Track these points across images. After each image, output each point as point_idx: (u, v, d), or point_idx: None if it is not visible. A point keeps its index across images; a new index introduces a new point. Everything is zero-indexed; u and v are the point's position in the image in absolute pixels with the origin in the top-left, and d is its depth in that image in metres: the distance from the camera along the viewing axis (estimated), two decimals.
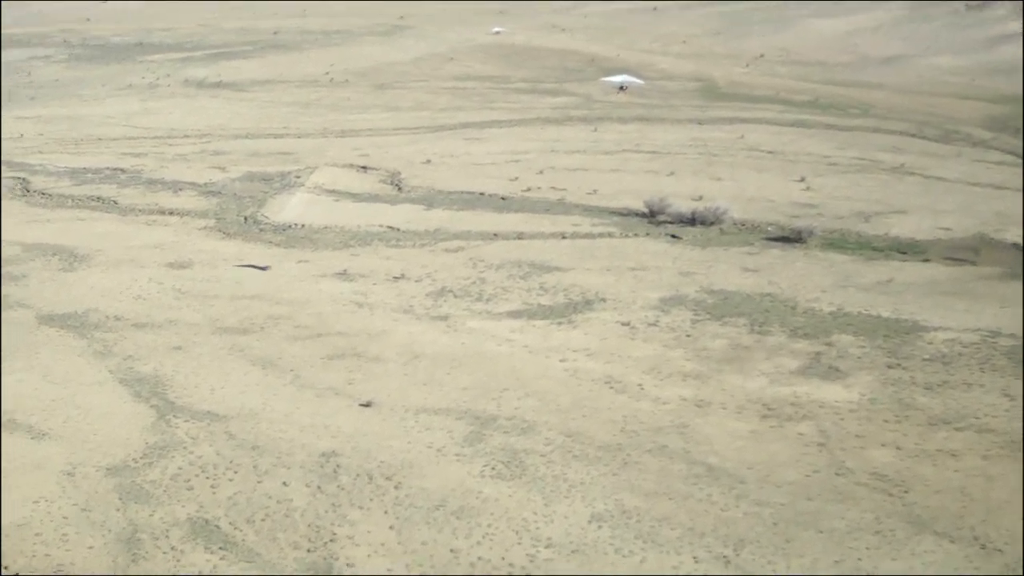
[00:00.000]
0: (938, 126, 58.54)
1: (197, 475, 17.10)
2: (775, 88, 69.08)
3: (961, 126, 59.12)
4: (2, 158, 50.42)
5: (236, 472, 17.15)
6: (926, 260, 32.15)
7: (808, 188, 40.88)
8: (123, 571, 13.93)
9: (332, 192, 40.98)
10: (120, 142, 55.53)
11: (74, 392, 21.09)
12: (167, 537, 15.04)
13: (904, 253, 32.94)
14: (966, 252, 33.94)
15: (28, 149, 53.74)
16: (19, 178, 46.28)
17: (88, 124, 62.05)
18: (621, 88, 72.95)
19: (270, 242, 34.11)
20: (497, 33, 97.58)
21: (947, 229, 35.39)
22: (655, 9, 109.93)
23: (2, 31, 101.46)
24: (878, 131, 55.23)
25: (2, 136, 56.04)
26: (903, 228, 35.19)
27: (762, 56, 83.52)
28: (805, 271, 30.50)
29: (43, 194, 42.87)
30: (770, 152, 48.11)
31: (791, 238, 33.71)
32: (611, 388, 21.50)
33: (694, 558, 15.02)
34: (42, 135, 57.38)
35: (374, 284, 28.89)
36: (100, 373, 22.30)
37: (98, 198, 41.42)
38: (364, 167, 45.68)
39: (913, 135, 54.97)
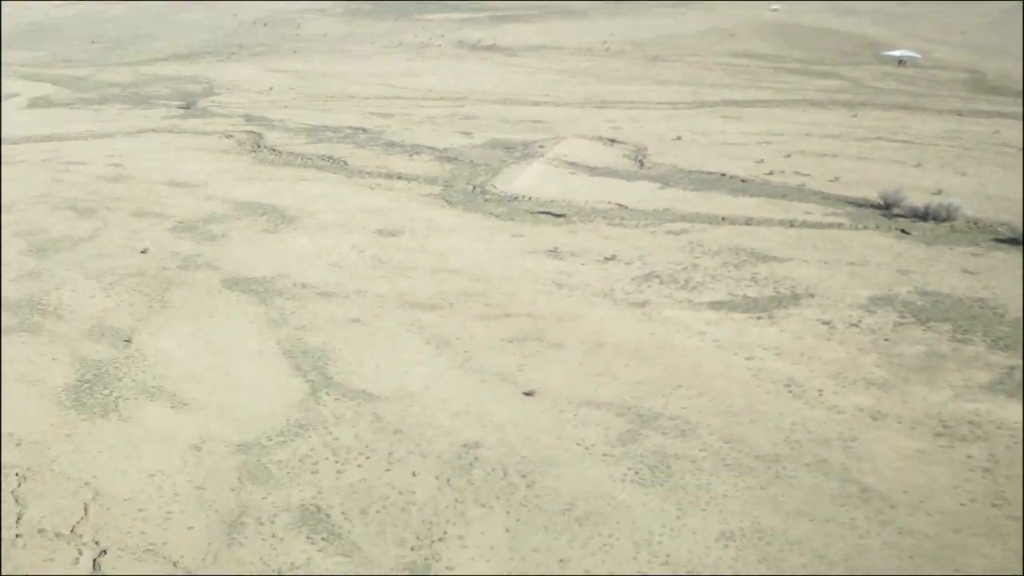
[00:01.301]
0: None
1: (327, 458, 16.93)
2: None
3: None
4: (239, 112, 53.64)
5: (368, 458, 16.87)
6: None
7: None
8: (214, 556, 13.92)
9: (571, 164, 40.83)
10: (371, 101, 57.35)
11: (232, 362, 21.39)
12: (272, 523, 14.90)
13: None
14: None
15: (274, 103, 56.28)
16: (253, 133, 48.37)
17: (344, 81, 64.57)
18: (900, 62, 75.33)
19: (491, 213, 34.00)
20: (775, 10, 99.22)
21: None
22: None
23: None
24: None
25: (251, 88, 59.65)
26: None
27: None
28: None
29: (273, 151, 44.58)
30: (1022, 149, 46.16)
31: (1020, 241, 32.31)
32: (789, 392, 20.29)
33: None
34: (293, 89, 59.98)
35: (582, 264, 28.37)
36: (266, 343, 22.57)
37: (329, 158, 42.64)
38: (612, 140, 45.35)
39: None
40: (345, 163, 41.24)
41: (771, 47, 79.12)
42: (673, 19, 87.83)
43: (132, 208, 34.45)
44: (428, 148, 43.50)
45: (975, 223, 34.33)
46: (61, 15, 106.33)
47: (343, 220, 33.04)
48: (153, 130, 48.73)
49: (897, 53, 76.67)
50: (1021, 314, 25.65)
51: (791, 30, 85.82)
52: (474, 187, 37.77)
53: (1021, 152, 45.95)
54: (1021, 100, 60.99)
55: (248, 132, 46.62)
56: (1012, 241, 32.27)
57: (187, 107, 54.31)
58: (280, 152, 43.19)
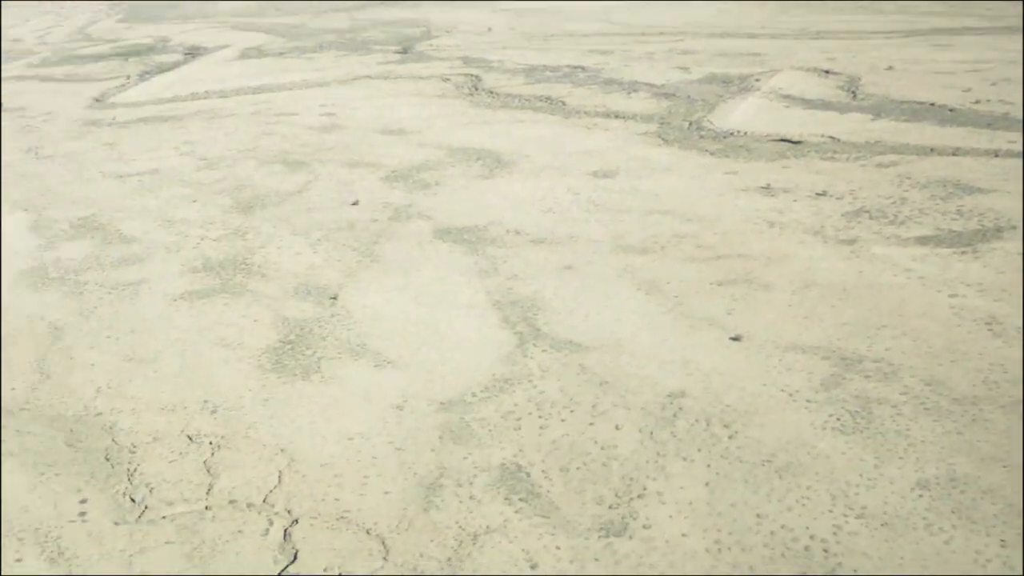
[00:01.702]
0: None
1: (530, 413, 16.32)
2: None
3: None
4: (457, 55, 54.11)
5: (572, 412, 16.23)
6: None
7: None
8: (409, 522, 13.48)
9: (785, 97, 39.75)
10: (590, 38, 56.72)
11: (440, 316, 20.97)
12: (471, 484, 14.36)
13: None
14: None
15: (492, 45, 56.13)
16: (472, 76, 48.23)
17: (563, 18, 64.17)
18: None
19: (705, 150, 33.01)
20: None
21: None
22: None
23: None
24: None
25: (470, 30, 60.02)
26: None
27: None
28: None
29: (491, 93, 44.36)
30: None
31: None
32: (989, 330, 18.86)
33: (1001, 542, 12.91)
34: (512, 29, 59.71)
35: (794, 201, 27.19)
36: (476, 295, 22.09)
37: (547, 99, 42.19)
38: (827, 71, 44.06)
39: None
40: (563, 103, 40.81)
41: None
42: None
43: (344, 159, 34.47)
44: (646, 85, 42.77)
45: None
46: None
47: (558, 163, 32.44)
48: (368, 76, 49.01)
49: None
50: None
51: None
52: (690, 124, 36.79)
53: None
54: None
55: (465, 75, 46.50)
56: None
57: (404, 52, 54.67)
58: (497, 94, 42.96)
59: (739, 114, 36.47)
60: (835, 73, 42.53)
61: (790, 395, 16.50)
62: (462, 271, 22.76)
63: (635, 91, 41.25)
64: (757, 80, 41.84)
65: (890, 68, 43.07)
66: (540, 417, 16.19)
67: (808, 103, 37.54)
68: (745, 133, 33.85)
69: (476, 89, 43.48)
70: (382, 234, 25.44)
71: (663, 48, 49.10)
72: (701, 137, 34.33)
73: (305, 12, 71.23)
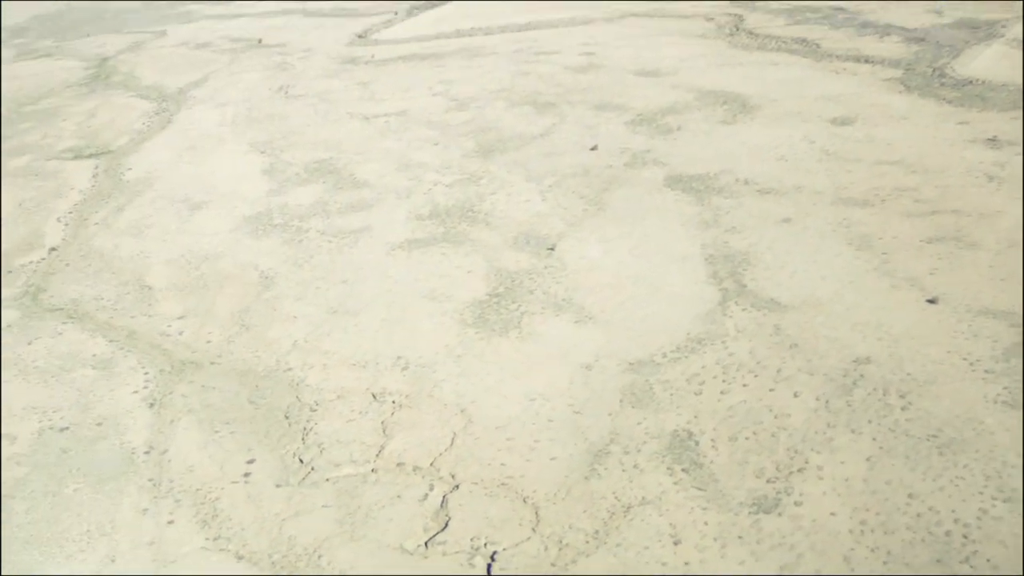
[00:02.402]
0: None
1: (715, 377, 15.36)
2: None
3: None
4: None
5: (756, 377, 15.18)
6: None
7: None
8: (567, 490, 12.83)
9: None
10: None
11: (650, 269, 20.07)
12: (638, 452, 13.55)
13: None
14: None
15: None
16: (734, 15, 46.25)
17: None
18: None
19: (943, 98, 30.80)
20: None
21: None
22: None
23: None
24: None
25: None
26: None
27: None
28: None
29: (750, 34, 42.56)
30: None
31: None
32: None
33: None
34: None
35: (1017, 154, 24.99)
36: (692, 247, 21.05)
37: (803, 41, 40.20)
38: None
39: None
40: (817, 46, 38.89)
41: None
42: None
43: (594, 101, 33.66)
44: (899, 28, 40.53)
45: None
46: None
47: (801, 108, 30.85)
48: (634, 14, 47.73)
49: None
50: None
51: None
52: (933, 70, 34.49)
53: None
54: None
55: (729, 15, 44.81)
56: None
57: None
58: (756, 35, 41.24)
59: (980, 61, 34.11)
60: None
61: (971, 364, 15.33)
62: (684, 221, 21.92)
63: (888, 35, 39.17)
64: (1003, 26, 38.91)
65: None
66: (724, 381, 15.40)
67: None
68: (983, 81, 31.56)
69: (737, 29, 42.01)
70: (614, 181, 24.78)
71: None
72: (941, 85, 32.16)
73: None
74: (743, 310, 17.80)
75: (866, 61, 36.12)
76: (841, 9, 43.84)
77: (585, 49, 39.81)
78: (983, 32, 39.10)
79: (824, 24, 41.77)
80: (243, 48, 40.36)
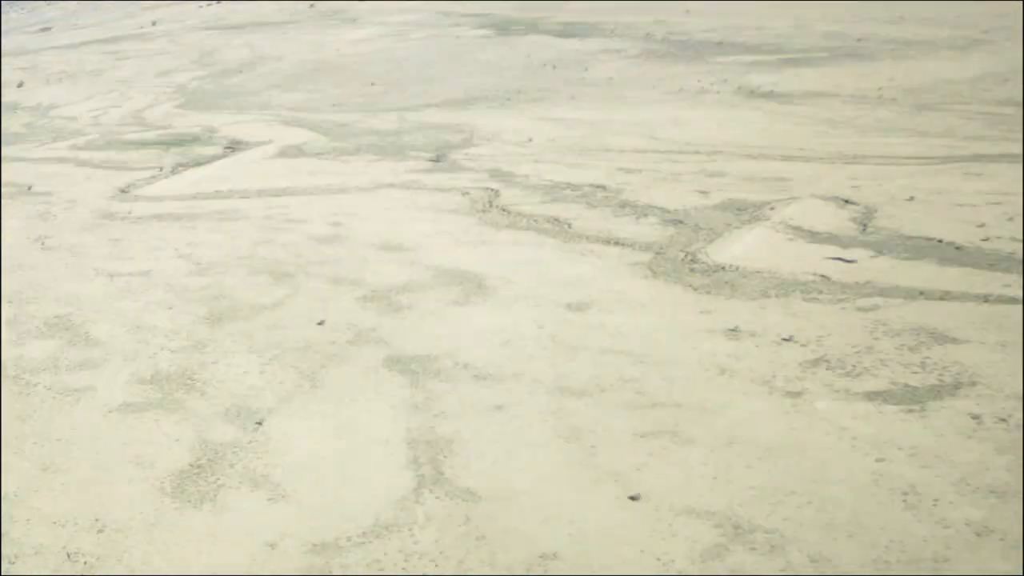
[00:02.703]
0: None
1: (395, 564, 16.95)
2: None
3: None
4: (488, 166, 55.66)
5: (436, 566, 16.71)
6: None
7: None
8: None
9: (794, 229, 40.38)
10: (626, 155, 57.72)
11: (353, 450, 21.89)
12: None
13: None
14: None
15: (526, 157, 57.32)
16: (491, 190, 49.60)
17: (607, 131, 65.20)
18: None
19: (690, 285, 33.98)
20: None
21: None
22: None
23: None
24: None
25: (511, 139, 61.65)
26: None
27: None
28: None
29: (503, 210, 45.75)
30: None
31: None
32: (904, 501, 19.25)
33: None
34: (552, 141, 60.90)
35: (756, 346, 27.95)
36: (397, 430, 23.00)
37: (555, 220, 43.44)
38: (846, 201, 44.57)
39: None
40: (569, 225, 42.04)
41: None
42: (955, 62, 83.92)
43: (331, 274, 35.94)
44: (659, 209, 43.93)
45: None
46: (353, 52, 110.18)
47: (537, 292, 33.57)
48: (392, 185, 50.54)
49: None
50: None
51: None
52: (686, 255, 37.75)
53: None
54: None
55: (486, 189, 47.79)
56: None
57: (437, 160, 56.11)
58: (509, 212, 44.32)
59: (740, 246, 37.50)
60: (853, 203, 43.21)
61: (664, 564, 17.72)
62: (394, 404, 24.18)
63: (645, 216, 42.54)
64: (772, 208, 42.69)
65: (911, 198, 43.64)
66: (403, 570, 17.67)
67: (814, 236, 38.39)
68: (737, 268, 34.87)
69: (490, 205, 45.03)
70: (334, 358, 27.06)
71: (692, 168, 50.23)
72: (691, 271, 35.36)
73: (360, 111, 72.96)
74: (436, 498, 19.86)
75: (616, 243, 39.12)
76: (602, 188, 47.19)
77: (334, 219, 42.23)
78: (748, 215, 42.46)
79: (581, 203, 44.88)
80: (13, 194, 42.45)
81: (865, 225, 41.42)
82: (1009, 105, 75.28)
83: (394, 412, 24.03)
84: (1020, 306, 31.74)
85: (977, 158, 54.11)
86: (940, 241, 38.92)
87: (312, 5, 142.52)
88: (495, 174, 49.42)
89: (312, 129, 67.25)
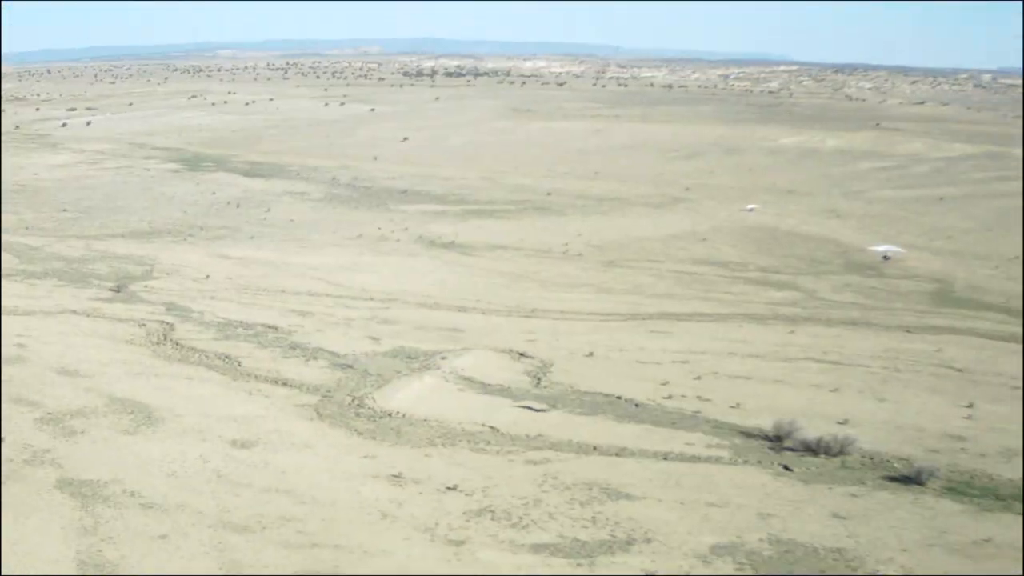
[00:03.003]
0: None
1: None
2: (1009, 295, 68.19)
3: None
4: (165, 300, 57.02)
5: None
6: None
7: (970, 416, 41.18)
8: None
9: (464, 380, 43.10)
10: (300, 297, 60.36)
11: (15, 568, 23.42)
12: None
13: None
14: None
15: (203, 293, 59.34)
16: (166, 324, 51.56)
17: (284, 273, 67.67)
18: (885, 257, 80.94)
19: (355, 430, 36.23)
20: (751, 210, 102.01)
21: None
22: (941, 199, 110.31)
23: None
24: None
25: (190, 275, 63.17)
26: None
27: (1017, 257, 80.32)
28: (900, 522, 30.58)
29: (177, 344, 47.69)
30: (959, 370, 48.69)
31: (911, 478, 33.77)
32: None
33: None
34: (230, 279, 63.08)
35: (420, 493, 30.19)
36: (67, 551, 24.40)
37: (226, 357, 45.45)
38: (521, 354, 47.70)
39: None
40: (239, 363, 44.02)
41: (738, 253, 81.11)
42: (651, 220, 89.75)
43: (12, 394, 36.96)
44: (329, 353, 46.29)
45: (871, 458, 35.80)
46: (50, 178, 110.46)
47: (204, 426, 35.34)
48: (74, 311, 51.99)
49: (882, 248, 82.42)
50: (879, 567, 27.08)
51: (766, 235, 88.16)
52: (353, 399, 40.16)
53: (957, 373, 48.10)
54: (982, 313, 63.73)
55: (162, 322, 49.60)
56: (904, 479, 33.58)
57: (117, 290, 57.79)
58: (182, 347, 46.19)
59: (407, 394, 39.71)
60: (529, 357, 46.10)
61: None
62: (64, 525, 25.59)
63: (314, 359, 44.75)
64: (443, 358, 45.36)
65: (590, 354, 46.56)
66: None
67: (485, 387, 40.84)
68: (404, 415, 37.06)
69: (165, 339, 46.77)
70: (10, 477, 27.85)
71: (365, 315, 52.92)
72: (357, 415, 37.55)
73: (51, 235, 73.60)
74: None
75: (285, 384, 40.44)
76: (274, 328, 48.88)
77: (19, 341, 42.80)
78: (419, 363, 44.18)
79: (252, 342, 46.70)
80: None
81: (539, 379, 43.89)
82: (704, 264, 79.42)
83: (64, 533, 25.17)
84: (702, 464, 34.22)
85: (665, 316, 57.64)
86: (619, 397, 41.60)
87: (18, 127, 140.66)
88: (172, 308, 50.86)
89: (3, 251, 66.28)
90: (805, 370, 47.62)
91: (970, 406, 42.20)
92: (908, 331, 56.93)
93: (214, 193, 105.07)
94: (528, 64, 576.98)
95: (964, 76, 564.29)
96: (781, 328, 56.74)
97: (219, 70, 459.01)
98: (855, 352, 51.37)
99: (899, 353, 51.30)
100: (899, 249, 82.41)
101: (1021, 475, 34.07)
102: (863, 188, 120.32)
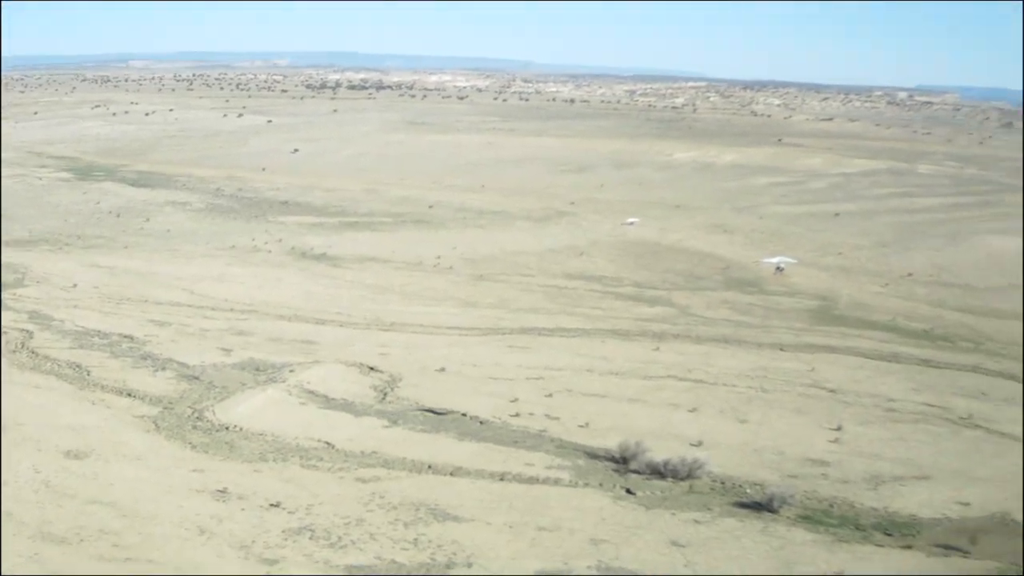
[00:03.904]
0: None
1: None
2: (896, 312, 68.81)
3: None
4: (29, 308, 56.91)
5: None
6: (907, 547, 31.70)
7: (837, 440, 41.12)
8: None
9: (308, 393, 44.33)
10: (161, 307, 60.36)
11: None
12: None
13: (889, 535, 32.60)
14: (965, 539, 32.75)
15: (67, 302, 59.36)
16: (26, 332, 51.76)
17: (150, 283, 67.49)
18: (779, 268, 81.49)
19: (190, 443, 36.52)
20: (631, 224, 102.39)
21: (965, 504, 35.04)
22: (837, 215, 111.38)
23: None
24: (976, 371, 54.71)
25: (58, 283, 63.09)
26: (911, 500, 35.04)
27: (909, 275, 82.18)
28: (743, 552, 30.66)
29: (33, 353, 47.96)
30: (831, 391, 48.57)
31: (762, 505, 33.66)
32: None
33: None
34: (96, 288, 63.05)
35: (243, 509, 30.49)
36: None
37: (77, 366, 45.71)
38: (371, 368, 48.77)
39: (1013, 377, 53.59)
40: (88, 373, 44.28)
41: (615, 268, 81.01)
42: (531, 233, 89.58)
43: None
44: (178, 364, 46.60)
45: (721, 483, 35.78)
46: None
47: (42, 436, 35.58)
48: None
49: (775, 260, 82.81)
50: None
51: (647, 250, 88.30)
52: (193, 411, 40.47)
53: (829, 394, 47.97)
54: (865, 332, 63.33)
55: (22, 331, 49.79)
56: (755, 506, 33.63)
57: None
58: (37, 355, 46.45)
59: (248, 407, 39.95)
60: (379, 371, 46.01)
61: None
62: None
63: (163, 369, 45.11)
64: (291, 371, 45.62)
65: (442, 369, 46.36)
66: None
67: (328, 402, 41.03)
68: (240, 428, 37.30)
69: (22, 347, 46.90)
70: None
71: (222, 326, 53.18)
72: (195, 427, 37.94)
73: None
74: None
75: (128, 395, 40.42)
76: (130, 338, 48.93)
77: None
78: (266, 376, 44.12)
79: (106, 352, 46.79)
80: None
81: (386, 394, 43.96)
82: (578, 279, 79.37)
83: None
84: (539, 486, 33.76)
85: (527, 331, 57.75)
86: (464, 414, 41.61)
87: None
88: (34, 316, 51.03)
89: None
90: (665, 389, 47.54)
91: (838, 429, 42.32)
92: (782, 349, 56.87)
93: (98, 203, 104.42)
94: (433, 78, 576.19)
95: (879, 93, 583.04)
96: (647, 345, 56.48)
97: (127, 80, 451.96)
98: (721, 371, 51.30)
99: (768, 372, 51.33)
100: (792, 260, 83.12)
101: (889, 504, 34.12)
102: (756, 203, 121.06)
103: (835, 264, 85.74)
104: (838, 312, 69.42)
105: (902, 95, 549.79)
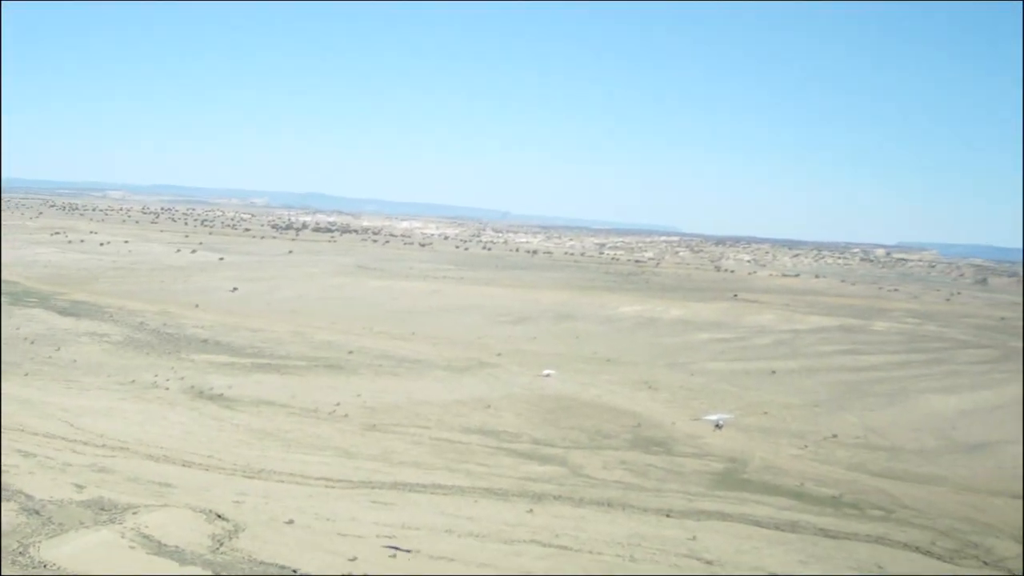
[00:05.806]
0: (961, 538, 54.21)
1: None
2: (808, 477, 66.16)
3: (990, 537, 54.40)
4: None
5: None
6: None
7: None
8: None
9: (142, 537, 41.63)
10: (35, 437, 59.01)
11: None
12: None
13: None
14: None
15: None
16: None
17: (33, 412, 66.52)
18: (717, 425, 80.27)
19: None
20: (547, 376, 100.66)
21: None
22: (774, 372, 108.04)
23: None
24: (880, 542, 52.44)
25: None
26: None
27: (834, 436, 78.97)
28: None
29: None
30: (708, 562, 46.78)
31: None
32: None
33: None
34: None
35: None
36: None
37: None
38: (219, 515, 46.23)
39: (917, 549, 51.73)
40: None
41: (518, 423, 78.84)
42: (445, 384, 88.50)
43: None
44: (25, 496, 45.65)
45: None
46: None
47: None
48: None
49: (714, 417, 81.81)
50: None
51: (560, 405, 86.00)
52: (20, 545, 39.40)
53: (704, 565, 46.24)
54: (766, 498, 60.80)
55: None
56: None
57: None
58: None
59: (76, 546, 39.25)
60: (224, 519, 44.92)
61: None
62: None
63: (8, 500, 44.32)
64: (135, 513, 44.69)
65: (291, 522, 45.32)
66: None
67: (160, 548, 40.15)
68: (58, 567, 36.53)
69: None
70: None
71: (87, 461, 52.54)
72: (13, 563, 37.07)
73: None
74: None
75: None
76: None
77: None
78: (108, 515, 42.94)
79: None
80: None
81: (222, 543, 43.28)
82: (474, 432, 78.99)
83: None
84: None
85: (398, 486, 56.76)
86: (294, 571, 40.74)
87: None
88: None
89: None
90: (523, 555, 46.16)
91: None
92: (668, 515, 54.58)
93: (18, 328, 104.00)
94: (404, 224, 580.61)
95: (855, 250, 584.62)
96: (521, 506, 54.69)
97: (94, 210, 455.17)
98: (592, 537, 49.46)
99: (644, 540, 49.49)
100: (730, 416, 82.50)
101: None
102: (692, 359, 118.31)
103: (756, 424, 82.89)
104: (744, 476, 66.62)
105: (879, 252, 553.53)
